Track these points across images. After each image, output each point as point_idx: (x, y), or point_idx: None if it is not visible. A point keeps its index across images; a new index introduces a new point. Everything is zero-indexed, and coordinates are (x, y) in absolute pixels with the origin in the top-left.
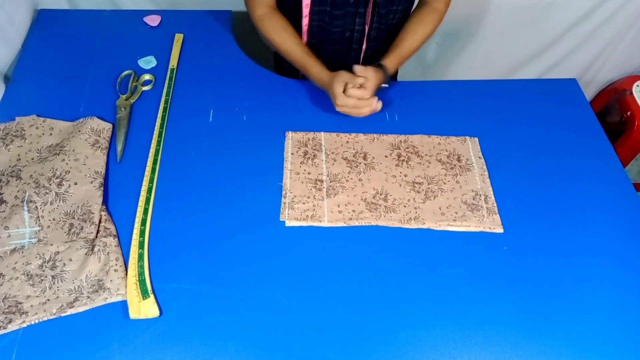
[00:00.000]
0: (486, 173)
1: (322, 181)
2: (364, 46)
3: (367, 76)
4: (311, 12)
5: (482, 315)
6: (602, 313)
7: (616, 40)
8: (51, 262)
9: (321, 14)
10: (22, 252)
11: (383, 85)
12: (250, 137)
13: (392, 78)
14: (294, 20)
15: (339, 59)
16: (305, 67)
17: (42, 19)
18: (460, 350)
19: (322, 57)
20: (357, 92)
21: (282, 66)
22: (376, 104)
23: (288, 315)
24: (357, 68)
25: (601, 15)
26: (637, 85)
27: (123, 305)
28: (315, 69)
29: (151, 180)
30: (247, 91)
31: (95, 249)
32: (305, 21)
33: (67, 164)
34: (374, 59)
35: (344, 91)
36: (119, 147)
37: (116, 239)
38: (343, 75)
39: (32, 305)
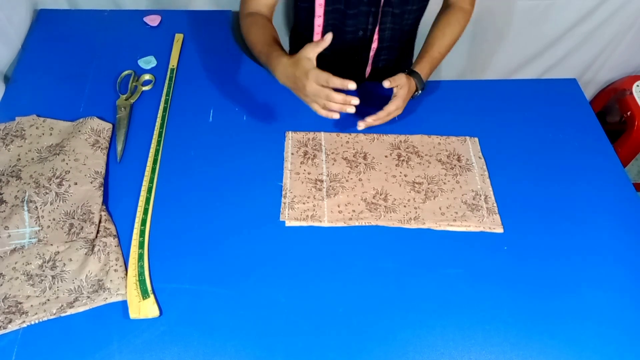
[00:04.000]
0: (486, 173)
1: (322, 181)
2: (374, 44)
3: (399, 84)
4: (325, 12)
5: (482, 315)
6: (602, 313)
7: (616, 40)
8: (51, 262)
9: (335, 13)
10: (22, 252)
11: (417, 93)
12: (250, 137)
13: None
14: (307, 20)
15: (352, 56)
16: (269, 56)
17: (42, 19)
18: (460, 350)
19: (335, 55)
20: (391, 106)
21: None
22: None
23: (288, 315)
24: (386, 82)
25: (601, 15)
26: (637, 85)
27: (123, 305)
28: (278, 54)
29: (151, 180)
30: (247, 91)
31: (95, 249)
32: (319, 21)
33: (67, 164)
34: (385, 58)
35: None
36: (119, 147)
37: (116, 239)
38: (312, 62)
39: (32, 305)
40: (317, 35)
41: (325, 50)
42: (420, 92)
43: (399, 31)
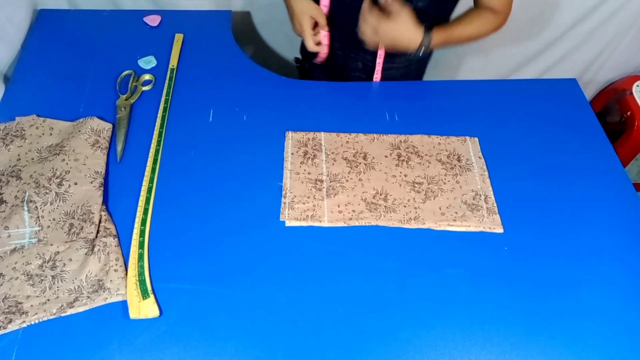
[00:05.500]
0: (486, 173)
1: (322, 181)
2: (381, 50)
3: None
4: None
5: (482, 315)
6: (602, 313)
7: (616, 40)
8: (51, 262)
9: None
10: (22, 252)
11: (418, 51)
12: (250, 137)
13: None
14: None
15: (359, 56)
16: None
17: (42, 19)
18: (460, 350)
19: (345, 53)
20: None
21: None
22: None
23: (288, 315)
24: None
25: (601, 15)
26: (637, 85)
27: (123, 305)
28: None
29: (151, 180)
30: (247, 91)
31: (95, 249)
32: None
33: (67, 164)
34: (391, 66)
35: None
36: (119, 147)
37: (116, 239)
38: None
39: (32, 305)
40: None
41: (337, 48)
42: (420, 53)
43: None
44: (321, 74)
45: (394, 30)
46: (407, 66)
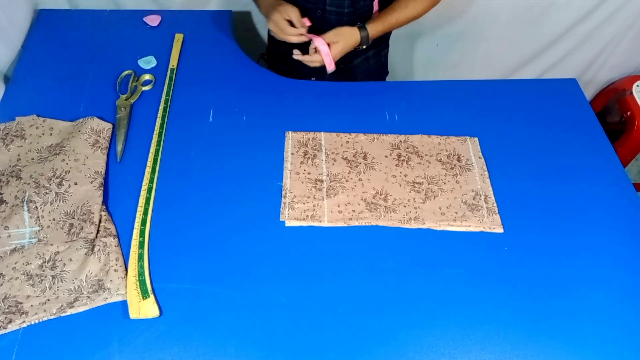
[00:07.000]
0: (486, 173)
1: (322, 181)
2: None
3: (337, 40)
4: None
5: (482, 315)
6: (602, 313)
7: (616, 40)
8: (51, 262)
9: None
10: (22, 252)
11: (360, 47)
12: (250, 137)
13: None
14: None
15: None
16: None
17: (42, 19)
18: (460, 350)
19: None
20: (308, 57)
21: (276, 68)
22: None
23: (288, 315)
24: (328, 35)
25: (601, 15)
26: (637, 85)
27: (123, 305)
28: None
29: (151, 180)
30: (247, 91)
31: (95, 249)
32: None
33: (67, 164)
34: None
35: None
36: (119, 147)
37: (116, 239)
38: (292, 9)
39: (32, 305)
40: None
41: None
42: (364, 47)
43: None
44: (285, 67)
45: (340, 47)
46: (366, 60)
